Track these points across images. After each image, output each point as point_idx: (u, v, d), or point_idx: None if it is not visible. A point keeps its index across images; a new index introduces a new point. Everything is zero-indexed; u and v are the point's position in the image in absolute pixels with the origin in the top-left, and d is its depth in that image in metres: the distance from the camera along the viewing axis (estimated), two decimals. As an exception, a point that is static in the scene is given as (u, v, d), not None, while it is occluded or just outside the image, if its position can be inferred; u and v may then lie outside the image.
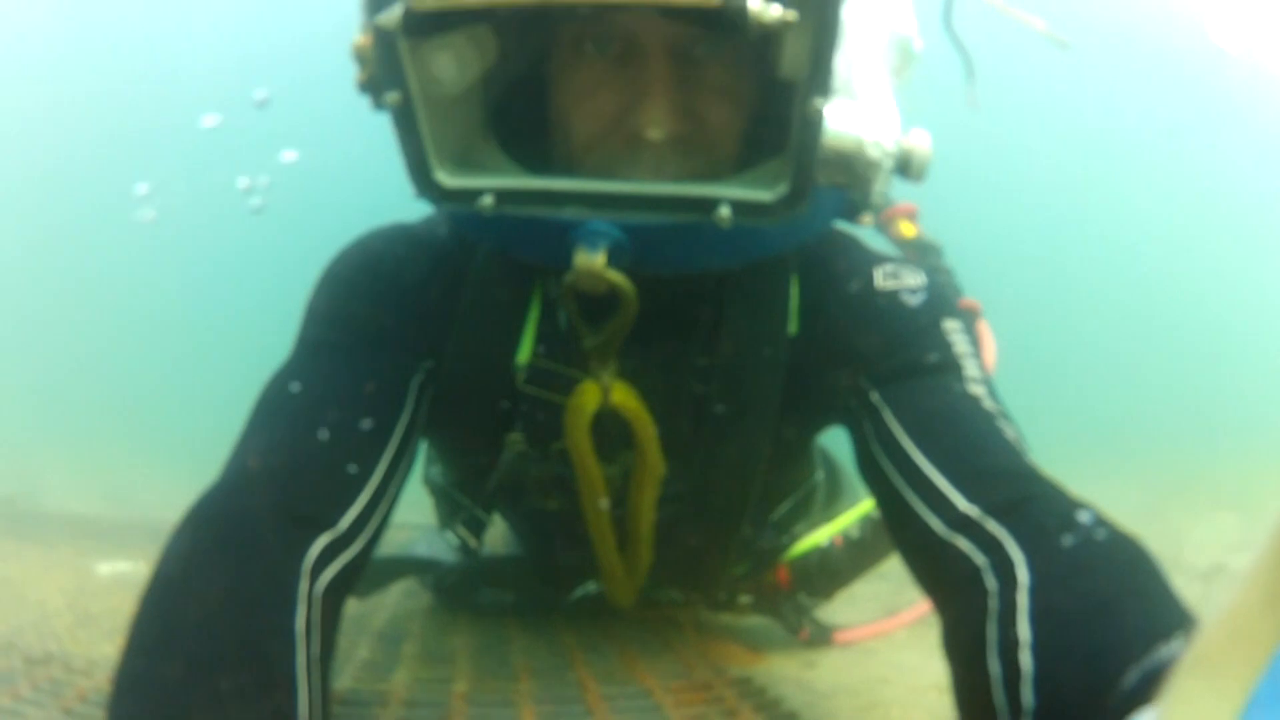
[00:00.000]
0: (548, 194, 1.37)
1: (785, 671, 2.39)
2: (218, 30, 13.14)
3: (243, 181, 11.48)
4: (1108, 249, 15.04)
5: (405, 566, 2.82)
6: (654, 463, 1.72)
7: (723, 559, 2.03)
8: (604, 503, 1.79)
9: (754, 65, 1.46)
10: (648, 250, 1.38)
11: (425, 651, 2.45)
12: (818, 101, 1.26)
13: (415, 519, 2.68)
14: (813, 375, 1.71)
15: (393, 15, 1.24)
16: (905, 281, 1.71)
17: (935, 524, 1.40)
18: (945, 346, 1.62)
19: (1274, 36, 13.47)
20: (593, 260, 1.34)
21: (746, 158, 1.51)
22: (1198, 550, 4.23)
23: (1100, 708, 0.97)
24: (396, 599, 3.08)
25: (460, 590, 2.81)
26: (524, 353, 1.69)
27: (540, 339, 1.69)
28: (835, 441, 2.12)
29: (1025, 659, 1.10)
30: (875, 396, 1.60)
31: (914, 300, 1.68)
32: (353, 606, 2.01)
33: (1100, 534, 1.25)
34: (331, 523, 1.42)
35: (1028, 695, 1.07)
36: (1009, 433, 1.49)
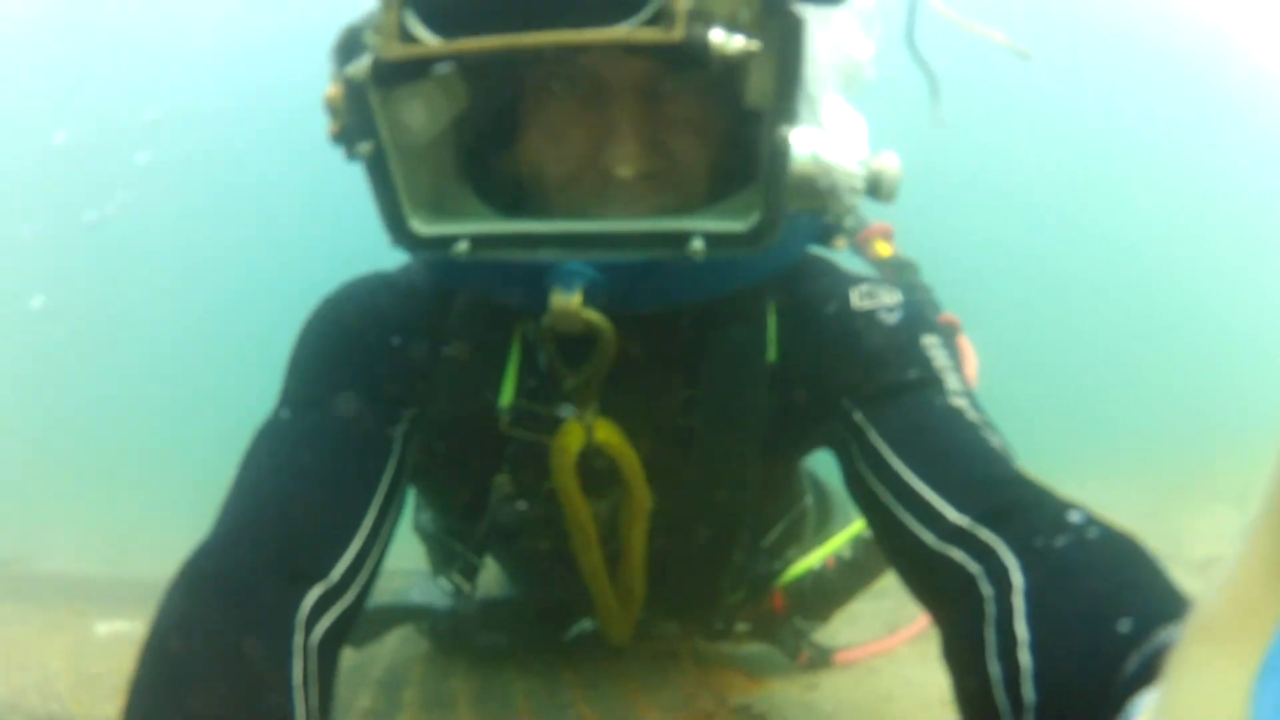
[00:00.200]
0: (522, 237, 1.38)
1: (788, 695, 2.39)
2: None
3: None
4: (1103, 249, 15.05)
5: (401, 614, 2.81)
6: (641, 497, 1.72)
7: (717, 588, 2.03)
8: (594, 540, 1.79)
9: (721, 98, 1.47)
10: (624, 288, 1.39)
11: (426, 697, 2.44)
12: (785, 129, 1.28)
13: (408, 565, 2.67)
14: (795, 401, 1.72)
15: (361, 66, 1.26)
16: (882, 300, 1.71)
17: (927, 537, 1.40)
18: (925, 362, 1.63)
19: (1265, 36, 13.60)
20: (569, 301, 1.34)
21: (718, 190, 1.52)
22: (1195, 543, 4.24)
23: (1103, 695, 0.97)
24: (394, 646, 3.06)
25: (457, 634, 2.80)
26: (506, 396, 1.69)
27: (522, 381, 1.69)
28: (822, 464, 2.12)
29: (1024, 657, 1.11)
30: (859, 417, 1.61)
31: (891, 319, 1.69)
32: (351, 656, 2.00)
33: (1092, 532, 1.25)
34: (324, 574, 1.43)
35: (1029, 691, 1.08)
36: (994, 441, 1.50)
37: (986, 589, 1.26)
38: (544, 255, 1.37)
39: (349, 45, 1.30)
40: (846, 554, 2.50)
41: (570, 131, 1.47)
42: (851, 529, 2.53)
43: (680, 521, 1.83)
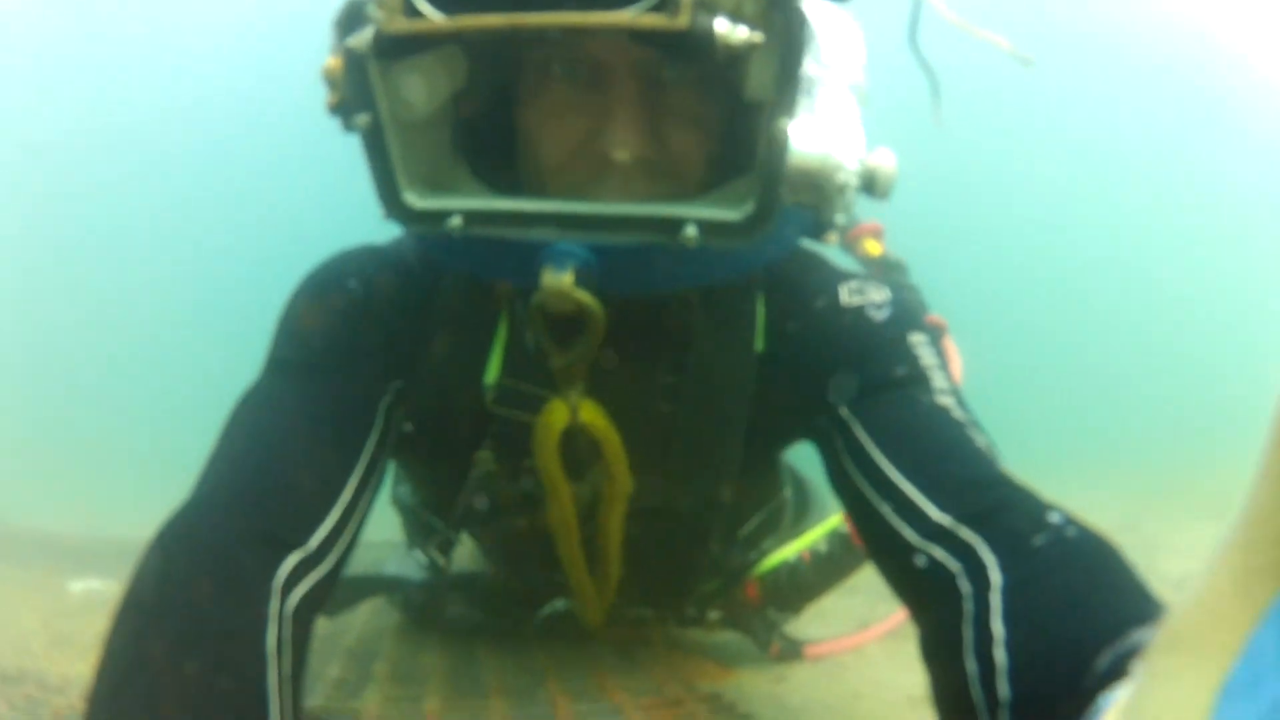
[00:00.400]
0: (516, 215, 1.39)
1: (756, 687, 2.40)
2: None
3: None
4: (1091, 257, 15.09)
5: (374, 585, 2.82)
6: (622, 480, 1.73)
7: (692, 575, 2.04)
8: (573, 521, 1.79)
9: (720, 87, 1.48)
10: (615, 270, 1.39)
11: (396, 670, 2.45)
12: (783, 122, 1.28)
13: (384, 537, 2.68)
14: (781, 392, 1.72)
15: (363, 38, 1.26)
16: (870, 297, 1.72)
17: (909, 534, 1.41)
18: (912, 360, 1.63)
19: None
20: (560, 280, 1.34)
21: (714, 178, 1.53)
22: (1171, 559, 4.25)
23: (1075, 691, 0.98)
24: (366, 617, 3.07)
25: (429, 608, 2.81)
26: (492, 373, 1.70)
27: (508, 359, 1.70)
28: (803, 458, 2.13)
29: (1000, 654, 1.12)
30: (844, 412, 1.61)
31: (879, 315, 1.69)
32: (323, 625, 2.00)
33: (1071, 532, 1.27)
34: (301, 541, 1.43)
35: (1004, 688, 1.09)
36: (979, 440, 1.51)
37: (965, 587, 1.27)
38: (537, 234, 1.37)
39: (351, 17, 1.30)
40: (822, 548, 2.51)
41: (569, 114, 1.47)
42: (828, 523, 2.54)
43: (659, 507, 1.84)
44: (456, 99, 1.56)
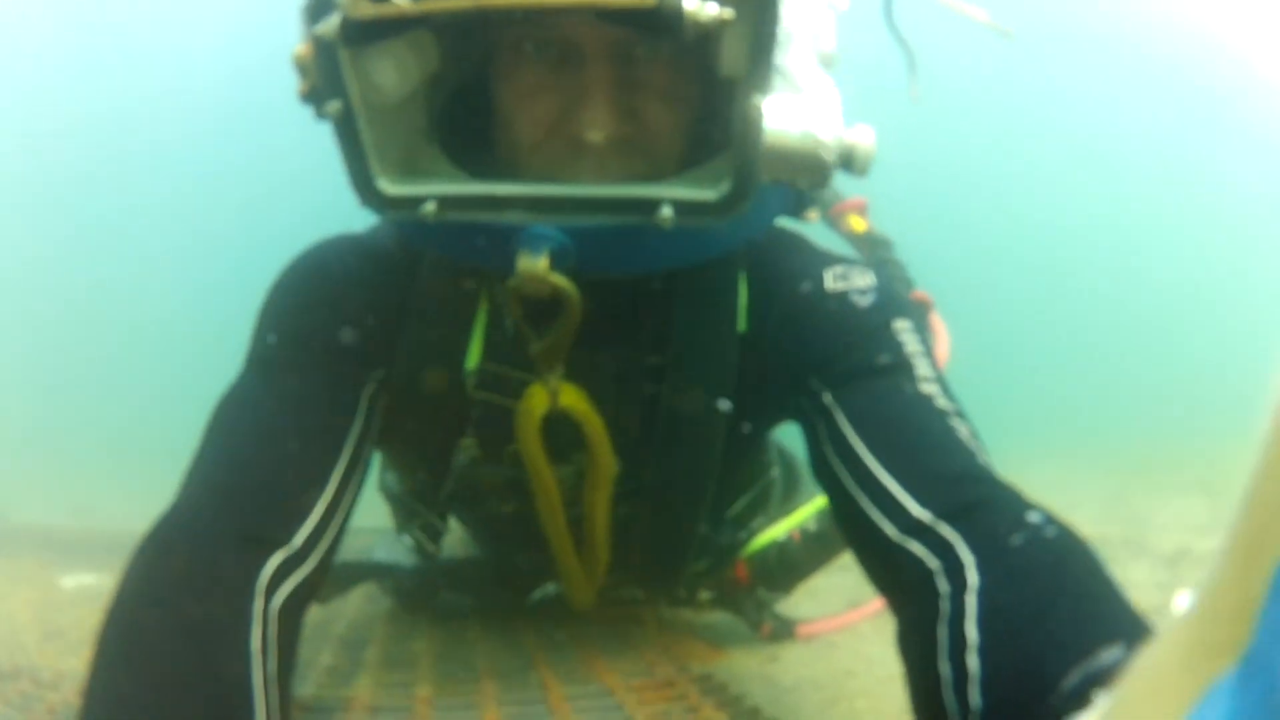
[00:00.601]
0: (490, 199, 1.38)
1: (748, 667, 2.40)
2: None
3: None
4: (1073, 235, 15.13)
5: (365, 571, 2.82)
6: (606, 463, 1.73)
7: (681, 556, 2.04)
8: (558, 505, 1.79)
9: (694, 65, 1.46)
10: (591, 252, 1.38)
11: (387, 656, 2.45)
12: (757, 99, 1.27)
13: (373, 523, 2.68)
14: (764, 373, 1.72)
15: (331, 25, 1.25)
16: (855, 282, 1.70)
17: (888, 529, 1.40)
18: (896, 347, 1.62)
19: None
20: (535, 264, 1.34)
21: (689, 157, 1.51)
22: (1162, 534, 4.27)
23: (1042, 707, 0.98)
24: (357, 604, 3.07)
25: (420, 594, 2.81)
26: (473, 358, 1.69)
27: (488, 344, 1.70)
28: (791, 436, 2.13)
29: (972, 661, 1.11)
30: (828, 398, 1.60)
31: (864, 301, 1.68)
32: (314, 613, 1.99)
33: (1050, 532, 1.26)
34: (285, 540, 1.43)
35: (975, 696, 1.09)
36: (962, 432, 1.50)
37: (943, 585, 1.26)
38: (511, 217, 1.36)
39: (319, 3, 1.29)
40: (812, 527, 2.51)
41: (541, 94, 1.45)
42: (817, 502, 2.53)
43: (645, 489, 1.84)
44: (430, 82, 1.54)
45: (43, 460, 8.42)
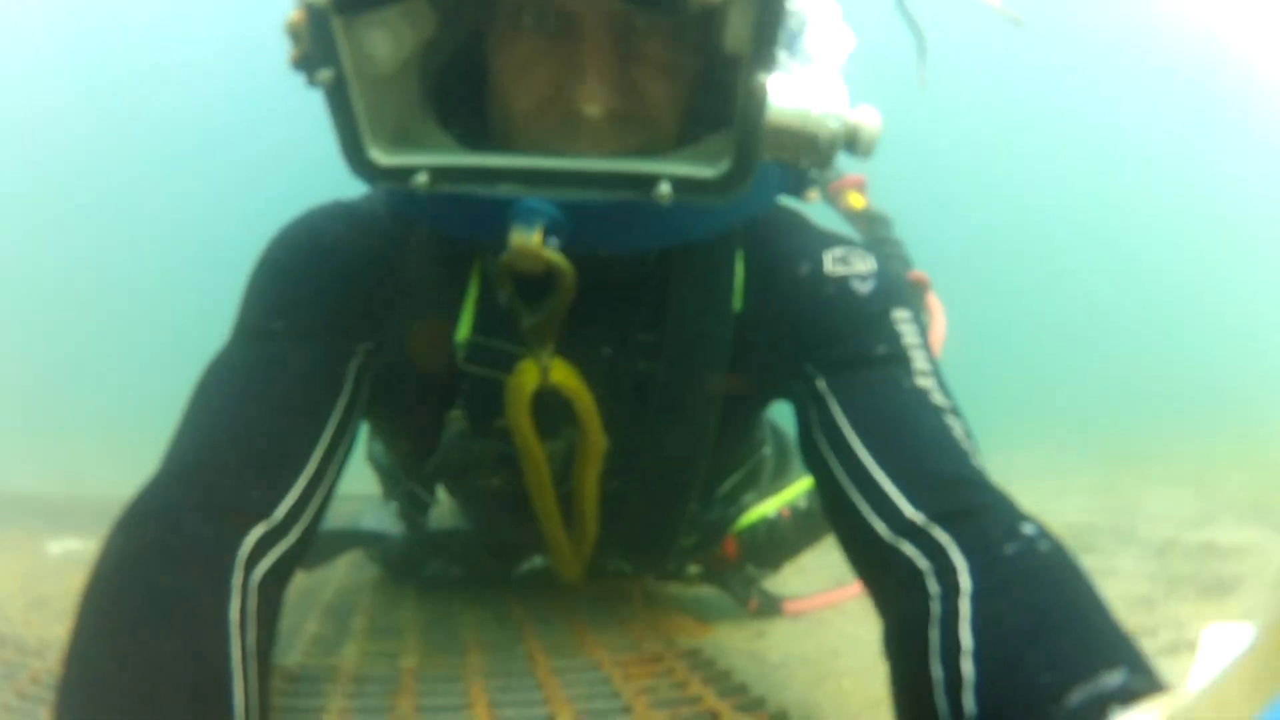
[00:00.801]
0: (483, 171, 1.36)
1: (735, 643, 2.41)
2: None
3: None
4: (1071, 225, 15.16)
5: (352, 539, 2.82)
6: (596, 439, 1.72)
7: (670, 533, 2.04)
8: (547, 480, 1.78)
9: (695, 38, 1.44)
10: (586, 228, 1.36)
11: (374, 626, 2.46)
12: (762, 77, 1.24)
13: (361, 490, 2.67)
14: (758, 352, 1.71)
15: None
16: (855, 268, 1.68)
17: (880, 528, 1.39)
18: (894, 337, 1.61)
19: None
20: (528, 239, 1.32)
21: (687, 132, 1.49)
22: (1151, 524, 4.28)
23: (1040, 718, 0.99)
24: (344, 572, 3.08)
25: (407, 563, 2.81)
26: (463, 330, 1.68)
27: (480, 316, 1.68)
28: (783, 413, 2.12)
29: (967, 665, 1.11)
30: (822, 385, 1.59)
31: (864, 288, 1.66)
32: (301, 580, 1.99)
33: (1043, 545, 1.26)
34: (266, 513, 1.42)
35: (969, 701, 1.08)
36: (957, 430, 1.49)
37: (933, 586, 1.26)
38: (504, 190, 1.34)
39: None
40: (802, 504, 2.51)
41: (538, 66, 1.43)
42: (808, 480, 2.52)
43: (635, 465, 1.83)
44: (425, 51, 1.52)
45: (31, 427, 8.41)
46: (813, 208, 1.86)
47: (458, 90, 1.57)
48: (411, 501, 2.15)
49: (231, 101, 11.42)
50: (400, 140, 1.41)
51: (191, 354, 1.80)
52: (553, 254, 1.34)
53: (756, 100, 1.26)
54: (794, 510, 2.51)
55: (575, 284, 1.40)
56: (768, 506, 2.51)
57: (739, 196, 1.33)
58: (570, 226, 1.35)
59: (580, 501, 1.86)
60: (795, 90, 1.30)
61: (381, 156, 1.35)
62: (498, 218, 1.34)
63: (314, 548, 1.62)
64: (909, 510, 1.37)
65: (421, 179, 1.33)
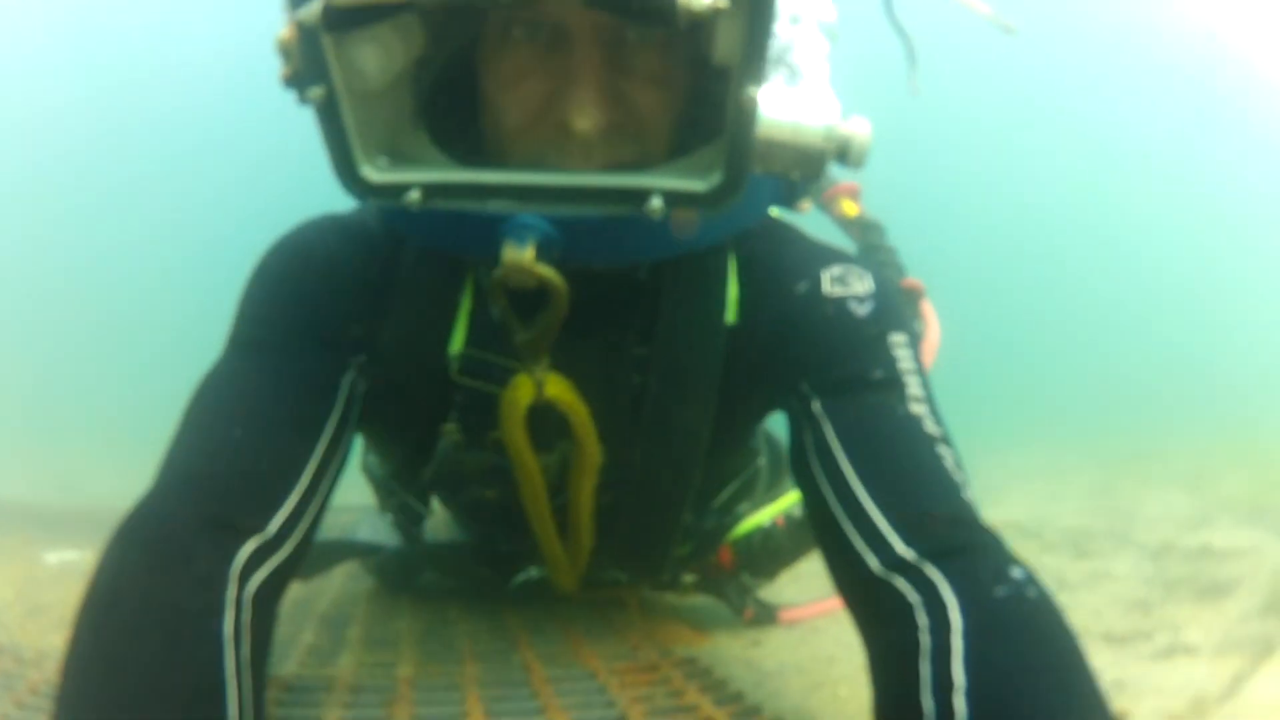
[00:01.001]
0: (475, 187, 1.36)
1: (731, 651, 2.41)
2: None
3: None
4: (1067, 228, 15.18)
5: (348, 550, 2.82)
6: (591, 453, 1.72)
7: (665, 545, 2.04)
8: (542, 492, 1.79)
9: (685, 51, 1.44)
10: (578, 242, 1.36)
11: (369, 636, 2.45)
12: (752, 90, 1.24)
13: (357, 501, 2.67)
14: (752, 368, 1.70)
15: (313, 10, 1.22)
16: (853, 288, 1.68)
17: (872, 562, 1.40)
18: (890, 362, 1.61)
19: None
20: (521, 255, 1.32)
21: (677, 144, 1.49)
22: (1147, 527, 4.28)
23: None
24: (340, 583, 3.07)
25: (403, 574, 2.81)
26: (457, 343, 1.68)
27: (473, 329, 1.68)
28: (777, 423, 2.12)
29: (960, 703, 1.13)
30: (817, 406, 1.60)
31: (861, 310, 1.66)
32: (297, 591, 2.00)
33: (1032, 592, 1.28)
34: (259, 527, 1.43)
35: None
36: (948, 461, 1.50)
37: (922, 619, 1.27)
38: (495, 206, 1.34)
39: None
40: (796, 514, 2.51)
41: (528, 79, 1.43)
42: (803, 490, 2.53)
43: (629, 479, 1.82)
44: (416, 66, 1.52)
45: (28, 436, 8.40)
46: (805, 215, 1.87)
47: (448, 105, 1.57)
48: (406, 513, 2.15)
49: (232, 105, 11.41)
50: (392, 156, 1.41)
51: (189, 362, 1.80)
52: (545, 269, 1.34)
53: (747, 113, 1.26)
54: (789, 519, 2.51)
55: (568, 299, 1.39)
56: (762, 516, 2.52)
57: (731, 208, 1.33)
58: (563, 241, 1.34)
59: (575, 513, 1.86)
60: (786, 102, 1.30)
61: (373, 173, 1.35)
62: (490, 233, 1.34)
63: (309, 559, 1.62)
64: (900, 547, 1.38)
65: (413, 196, 1.33)
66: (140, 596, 1.26)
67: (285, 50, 1.29)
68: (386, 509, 2.42)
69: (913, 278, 2.64)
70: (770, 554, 2.53)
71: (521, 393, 1.61)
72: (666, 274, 1.66)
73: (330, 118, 1.31)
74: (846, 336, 1.64)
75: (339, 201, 1.77)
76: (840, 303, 1.66)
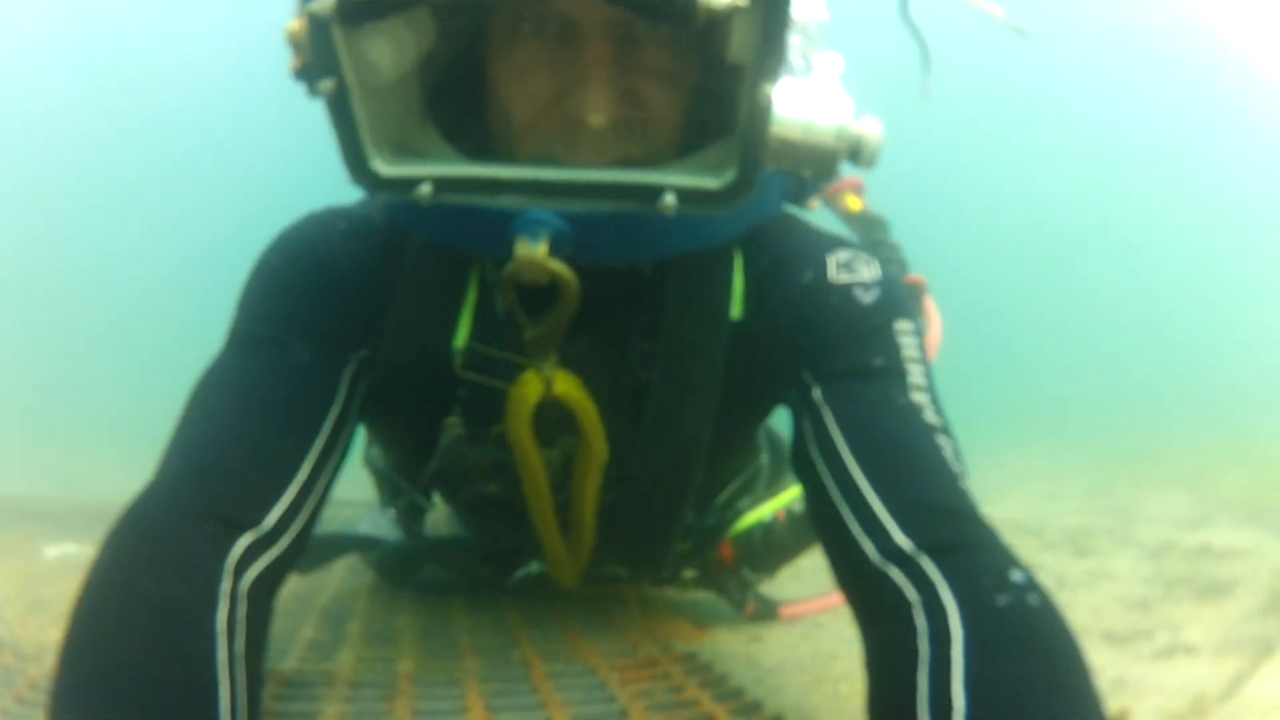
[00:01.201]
0: (487, 181, 1.35)
1: (731, 647, 2.41)
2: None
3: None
4: (1069, 228, 15.18)
5: (348, 544, 2.81)
6: (597, 449, 1.71)
7: (666, 542, 2.03)
8: (545, 488, 1.78)
9: (697, 43, 1.44)
10: (589, 238, 1.35)
11: (369, 631, 2.45)
12: (767, 88, 1.24)
13: (357, 495, 2.67)
14: (757, 362, 1.70)
15: (326, 2, 1.21)
16: (860, 275, 1.67)
17: (869, 549, 1.41)
18: (894, 350, 1.61)
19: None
20: (534, 250, 1.31)
21: (686, 140, 1.49)
22: (1147, 526, 4.28)
23: None
24: (340, 577, 3.07)
25: (403, 569, 2.81)
26: (461, 337, 1.67)
27: (478, 323, 1.67)
28: (778, 419, 2.12)
29: None
30: (818, 394, 1.60)
31: (867, 297, 1.65)
32: (297, 585, 2.00)
33: (1033, 599, 1.27)
34: (255, 522, 1.42)
35: None
36: (947, 451, 1.50)
37: (921, 622, 1.27)
38: (507, 201, 1.34)
39: None
40: (797, 509, 2.51)
41: (538, 73, 1.42)
42: (804, 484, 2.53)
43: (632, 475, 1.82)
44: (424, 60, 1.51)
45: (28, 431, 8.40)
46: (811, 210, 1.87)
47: (455, 99, 1.57)
48: (408, 506, 2.15)
49: (232, 104, 11.43)
50: (400, 149, 1.41)
51: (190, 358, 1.80)
52: (558, 265, 1.34)
53: (761, 110, 1.25)
54: (790, 515, 2.51)
55: (579, 295, 1.39)
56: (763, 511, 2.52)
57: (742, 205, 1.33)
58: (575, 237, 1.34)
59: (578, 510, 1.85)
60: (799, 100, 1.30)
61: (384, 167, 1.35)
62: (501, 228, 1.34)
63: (309, 553, 1.62)
64: (898, 536, 1.38)
65: (424, 190, 1.33)
66: (133, 591, 1.26)
67: (295, 42, 1.28)
68: (388, 503, 2.42)
69: (915, 274, 2.64)
70: (771, 549, 2.53)
71: (529, 389, 1.60)
72: (671, 269, 1.65)
73: (341, 111, 1.30)
74: (851, 324, 1.63)
75: (340, 199, 1.78)
76: (846, 290, 1.66)
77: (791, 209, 1.80)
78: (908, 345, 1.62)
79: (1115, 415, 9.75)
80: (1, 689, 1.88)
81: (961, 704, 1.14)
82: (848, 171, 2.53)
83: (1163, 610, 2.86)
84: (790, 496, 2.53)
